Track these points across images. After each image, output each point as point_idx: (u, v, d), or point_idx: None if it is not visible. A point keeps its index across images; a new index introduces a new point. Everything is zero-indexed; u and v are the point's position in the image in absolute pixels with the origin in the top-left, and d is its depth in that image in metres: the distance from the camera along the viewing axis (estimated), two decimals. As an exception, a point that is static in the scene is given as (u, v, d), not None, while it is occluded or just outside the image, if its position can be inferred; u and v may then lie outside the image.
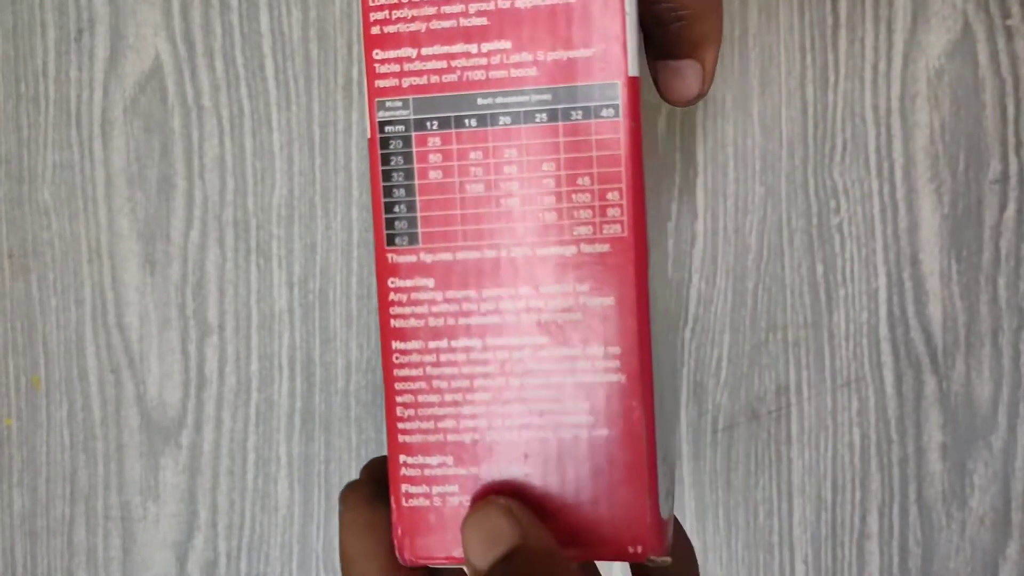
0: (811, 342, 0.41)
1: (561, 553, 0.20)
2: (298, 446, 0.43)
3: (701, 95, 0.25)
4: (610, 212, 0.20)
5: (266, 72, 0.43)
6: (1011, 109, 0.39)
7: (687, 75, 0.25)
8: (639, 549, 0.21)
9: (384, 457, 0.23)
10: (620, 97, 0.20)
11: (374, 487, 0.24)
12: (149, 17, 0.44)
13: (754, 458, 0.41)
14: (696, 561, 0.27)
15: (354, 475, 0.43)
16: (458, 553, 0.21)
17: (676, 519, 0.24)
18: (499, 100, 0.21)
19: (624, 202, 0.20)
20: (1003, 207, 0.40)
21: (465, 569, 0.21)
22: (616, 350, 0.21)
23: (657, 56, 0.25)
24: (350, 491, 0.24)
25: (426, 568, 0.22)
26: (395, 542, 0.22)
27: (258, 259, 0.44)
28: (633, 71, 0.20)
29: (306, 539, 0.44)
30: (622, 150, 0.20)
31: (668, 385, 0.26)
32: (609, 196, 0.20)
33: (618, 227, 0.20)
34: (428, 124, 0.21)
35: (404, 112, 0.21)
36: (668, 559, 0.21)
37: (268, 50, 0.43)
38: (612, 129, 0.20)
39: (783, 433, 0.41)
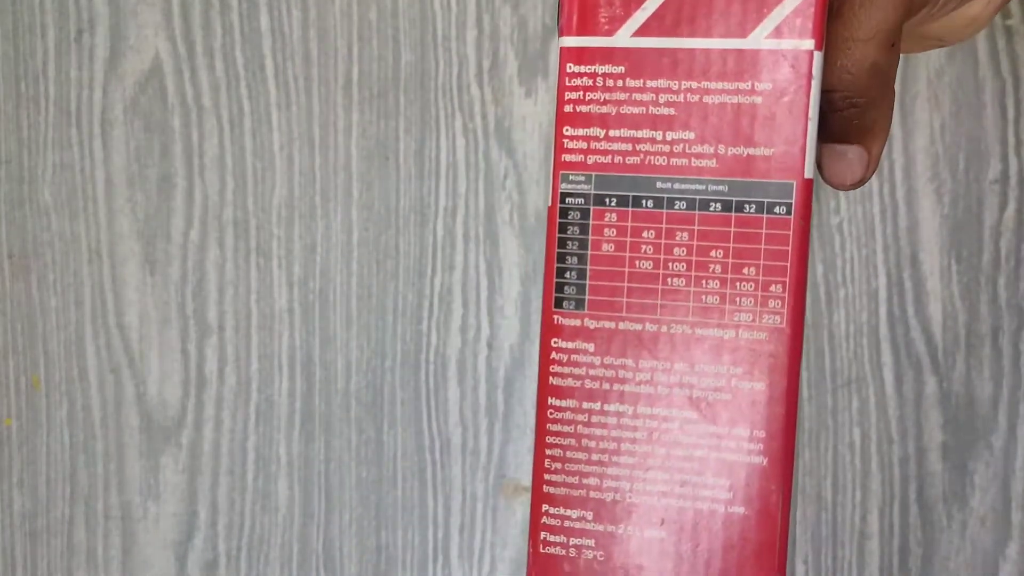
0: (811, 342, 0.41)
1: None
2: (298, 446, 0.43)
3: (863, 181, 0.26)
4: (771, 303, 0.21)
5: (266, 72, 0.43)
6: (1011, 109, 0.39)
7: (852, 160, 0.25)
8: None
9: None
10: (794, 197, 0.21)
11: None
12: (149, 17, 0.44)
13: (754, 458, 0.41)
14: None
15: (354, 475, 0.43)
16: None
17: None
18: (677, 186, 0.22)
19: (786, 295, 0.21)
20: (1003, 207, 0.40)
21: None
22: (761, 433, 0.22)
23: (825, 139, 0.26)
24: None
25: None
26: None
27: (258, 259, 0.44)
28: (809, 174, 0.21)
29: (306, 539, 0.44)
30: (790, 246, 0.21)
31: None
32: (772, 288, 0.21)
33: (778, 318, 0.22)
34: (607, 200, 0.22)
35: (586, 187, 0.22)
36: None
37: (268, 50, 0.43)
38: (783, 226, 0.21)
39: (783, 433, 0.41)
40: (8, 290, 0.45)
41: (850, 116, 0.24)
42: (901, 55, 0.25)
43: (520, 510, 0.43)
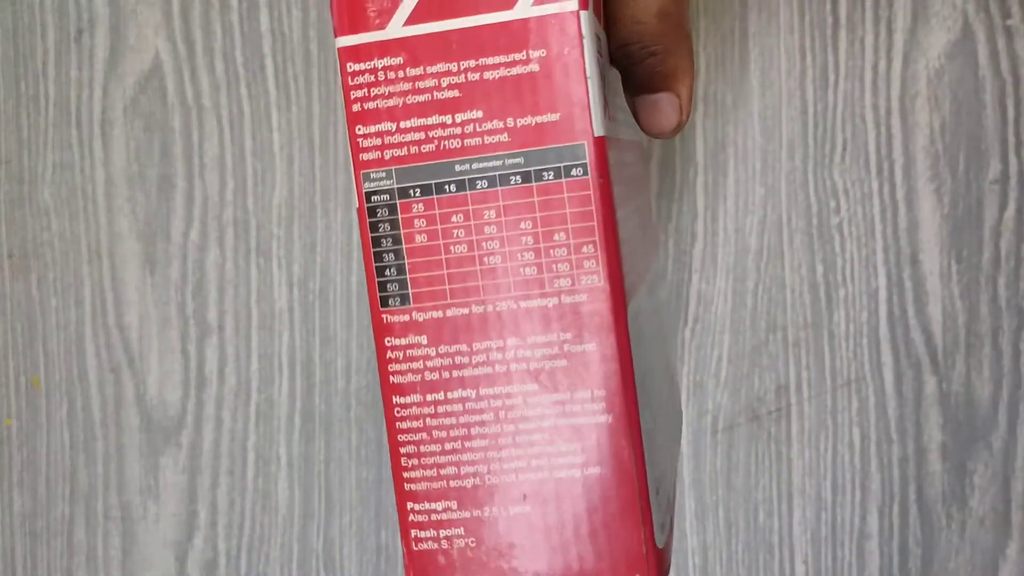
0: (811, 342, 0.41)
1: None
2: (298, 446, 0.43)
3: (680, 126, 0.27)
4: (586, 264, 0.22)
5: (266, 72, 0.43)
6: (1011, 109, 0.39)
7: (664, 107, 0.26)
8: None
9: None
10: (588, 156, 0.21)
11: None
12: (149, 17, 0.44)
13: (754, 458, 0.41)
14: None
15: (354, 475, 0.43)
16: None
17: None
18: (475, 166, 0.22)
19: (599, 253, 0.22)
20: (1003, 207, 0.40)
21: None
22: (601, 392, 0.22)
23: (635, 92, 0.26)
24: None
25: None
26: None
27: (258, 259, 0.44)
28: (599, 131, 0.22)
29: (306, 539, 0.44)
30: (593, 206, 0.22)
31: (665, 415, 0.27)
32: (584, 249, 0.22)
33: (595, 277, 0.22)
34: (411, 192, 0.22)
35: (388, 182, 0.22)
36: None
37: (268, 50, 0.43)
38: (583, 187, 0.22)
39: (783, 433, 0.41)
40: (8, 290, 0.45)
41: (651, 65, 0.25)
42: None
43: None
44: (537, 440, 0.22)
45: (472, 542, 0.23)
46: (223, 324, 0.44)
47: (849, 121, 0.40)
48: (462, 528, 0.23)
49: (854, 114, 0.40)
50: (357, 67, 0.22)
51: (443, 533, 0.23)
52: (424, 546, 0.23)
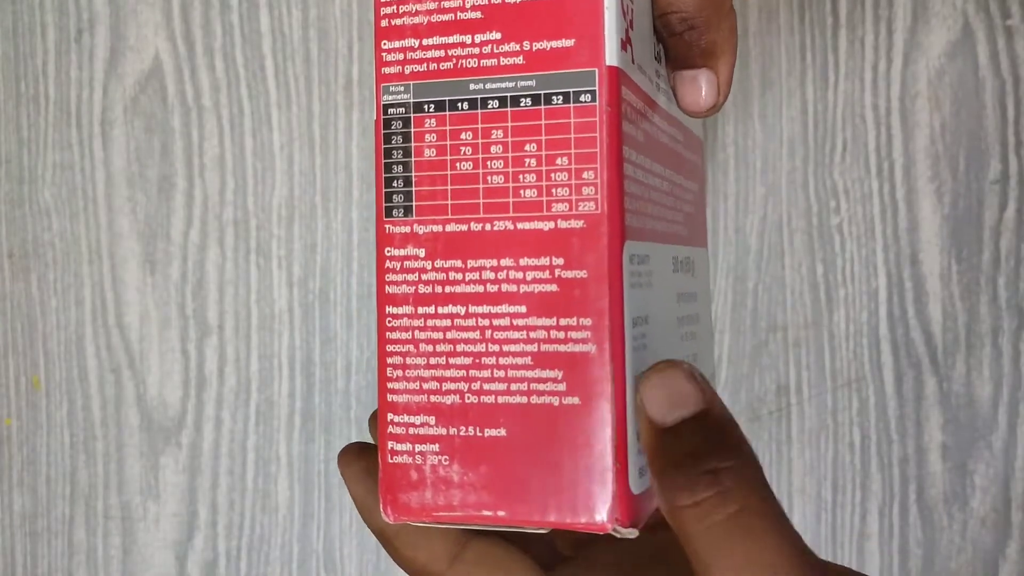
0: (811, 342, 0.41)
1: (738, 426, 0.21)
2: (298, 446, 0.43)
3: (717, 106, 0.26)
4: (585, 190, 0.22)
5: (266, 72, 0.43)
6: (1011, 109, 0.39)
7: (701, 84, 0.26)
8: (603, 519, 0.21)
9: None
10: (598, 83, 0.22)
11: (364, 444, 0.26)
12: (149, 17, 0.44)
13: (754, 458, 0.41)
14: None
15: (354, 475, 0.43)
16: (439, 513, 0.22)
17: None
18: (488, 86, 0.22)
19: (599, 181, 0.22)
20: (1003, 207, 0.40)
21: (639, 424, 0.21)
22: (588, 322, 0.22)
23: (674, 67, 0.26)
24: (344, 451, 0.26)
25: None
26: (379, 498, 0.23)
27: (258, 259, 0.44)
28: (611, 61, 0.22)
29: (306, 539, 0.44)
30: (598, 132, 0.22)
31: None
32: (585, 175, 0.22)
33: (592, 204, 0.22)
34: (426, 107, 0.23)
35: (405, 96, 0.23)
36: (635, 531, 0.22)
37: (268, 50, 0.43)
38: (590, 113, 0.22)
39: (783, 433, 0.41)
40: (8, 290, 0.45)
41: (690, 39, 0.25)
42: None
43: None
44: (519, 364, 0.22)
45: (445, 460, 0.22)
46: (223, 324, 0.44)
47: (849, 121, 0.40)
48: (437, 445, 0.23)
49: (854, 114, 0.40)
50: None
51: (418, 448, 0.23)
52: (399, 459, 0.23)
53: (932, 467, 0.40)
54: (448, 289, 0.23)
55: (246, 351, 0.44)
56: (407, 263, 0.23)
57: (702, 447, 0.20)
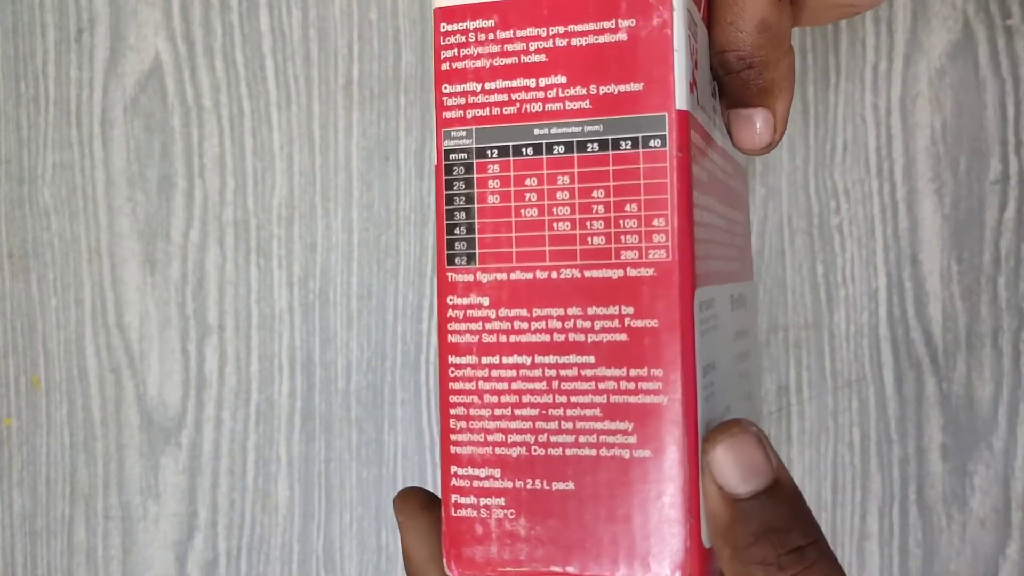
0: (812, 342, 0.41)
1: (803, 498, 0.21)
2: (298, 446, 0.43)
3: (772, 144, 0.26)
4: (655, 238, 0.21)
5: (266, 72, 0.43)
6: (1011, 109, 0.39)
7: (756, 123, 0.25)
8: (675, 572, 0.21)
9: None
10: (667, 128, 0.21)
11: (428, 493, 0.25)
12: (149, 17, 0.44)
13: (754, 458, 0.41)
14: None
15: (354, 475, 0.43)
16: (505, 568, 0.22)
17: None
18: (554, 131, 0.22)
19: (669, 228, 0.21)
20: (1003, 207, 0.40)
21: (704, 487, 0.21)
22: (659, 372, 0.21)
23: (729, 105, 0.26)
24: (406, 496, 0.25)
25: None
26: (443, 551, 0.22)
27: (258, 259, 0.44)
28: (681, 105, 0.21)
29: (306, 539, 0.44)
30: (668, 178, 0.21)
31: (738, 411, 0.26)
32: (655, 222, 0.21)
33: (663, 252, 0.21)
34: (489, 152, 0.22)
35: (467, 141, 0.23)
36: None
37: (268, 50, 0.43)
38: (659, 158, 0.21)
39: (783, 433, 0.41)
40: (8, 290, 0.45)
41: (747, 77, 0.24)
42: (821, 27, 0.25)
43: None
44: (588, 415, 0.22)
45: (511, 514, 0.22)
46: (223, 324, 0.44)
47: (850, 121, 0.40)
48: (503, 498, 0.22)
49: (854, 114, 0.40)
50: (450, 28, 0.23)
51: (483, 501, 0.22)
52: (463, 512, 0.22)
53: (932, 467, 0.40)
54: (513, 339, 0.22)
55: (246, 351, 0.44)
56: (470, 312, 0.22)
57: (782, 522, 0.20)
